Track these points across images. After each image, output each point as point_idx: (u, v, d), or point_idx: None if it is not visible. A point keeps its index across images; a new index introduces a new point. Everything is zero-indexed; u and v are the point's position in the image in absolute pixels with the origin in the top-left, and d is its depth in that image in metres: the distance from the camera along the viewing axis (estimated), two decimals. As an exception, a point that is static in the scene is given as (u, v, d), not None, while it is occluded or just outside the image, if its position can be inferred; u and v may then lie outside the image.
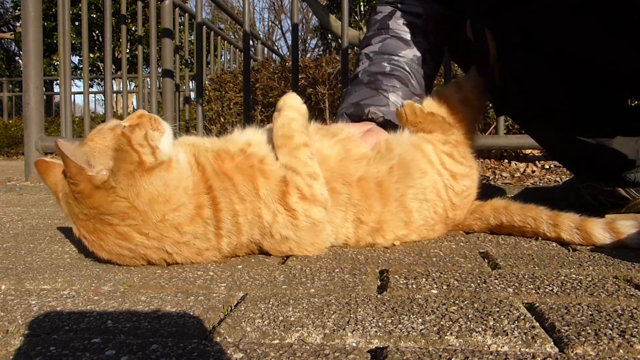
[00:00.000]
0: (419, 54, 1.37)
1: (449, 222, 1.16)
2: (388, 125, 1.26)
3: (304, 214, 0.92)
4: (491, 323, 0.60)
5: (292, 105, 1.02)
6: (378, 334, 0.58)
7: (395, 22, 1.40)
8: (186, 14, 4.53)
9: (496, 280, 0.79)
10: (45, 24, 9.35)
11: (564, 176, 2.41)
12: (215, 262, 0.93)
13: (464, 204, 1.18)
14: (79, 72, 12.25)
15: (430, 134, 1.18)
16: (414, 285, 0.77)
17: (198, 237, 0.89)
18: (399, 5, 1.41)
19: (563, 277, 0.80)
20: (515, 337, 0.56)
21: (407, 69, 1.34)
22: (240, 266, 0.90)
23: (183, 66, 4.85)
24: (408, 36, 1.39)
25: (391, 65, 1.34)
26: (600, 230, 1.05)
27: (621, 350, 0.53)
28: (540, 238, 1.11)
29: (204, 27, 4.00)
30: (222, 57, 6.31)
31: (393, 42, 1.38)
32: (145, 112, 0.95)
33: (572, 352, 0.53)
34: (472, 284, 0.77)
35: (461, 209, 1.18)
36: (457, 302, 0.68)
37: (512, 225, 1.15)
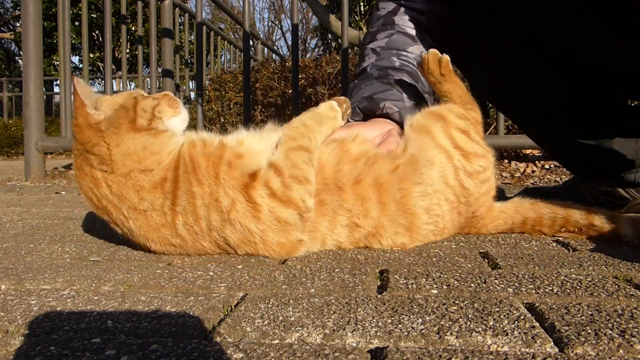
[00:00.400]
0: (425, 51, 1.33)
1: (462, 213, 1.07)
2: (404, 121, 1.20)
3: (268, 210, 0.91)
4: (491, 323, 0.60)
5: (319, 112, 1.04)
6: (378, 334, 0.58)
7: (401, 18, 1.37)
8: (186, 14, 4.53)
9: (496, 280, 0.79)
10: (45, 24, 9.35)
11: (564, 176, 2.41)
12: (172, 246, 0.95)
13: (482, 192, 1.08)
14: (79, 72, 12.24)
15: (447, 100, 1.15)
16: (414, 285, 0.77)
17: (155, 208, 0.92)
18: (402, 1, 1.39)
19: (563, 277, 0.80)
20: (515, 337, 0.56)
21: (416, 65, 1.29)
22: (240, 266, 0.90)
23: (183, 66, 4.85)
24: (414, 32, 1.35)
25: (400, 61, 1.30)
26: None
27: (621, 350, 0.53)
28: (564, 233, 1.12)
29: (204, 27, 4.00)
30: (222, 57, 6.31)
31: (400, 37, 1.34)
32: (171, 93, 1.02)
33: (572, 352, 0.53)
34: (472, 284, 0.77)
35: (478, 198, 1.07)
36: (457, 302, 0.68)
37: (541, 219, 1.13)
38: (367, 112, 1.24)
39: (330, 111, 1.05)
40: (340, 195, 0.97)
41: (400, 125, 1.17)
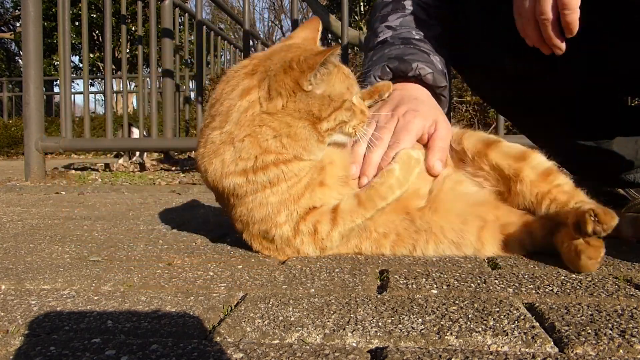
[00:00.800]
0: (435, 35, 1.27)
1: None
2: (436, 84, 1.15)
3: (299, 241, 0.93)
4: (491, 323, 0.60)
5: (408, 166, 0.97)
6: (378, 334, 0.58)
7: (410, 4, 1.32)
8: (186, 14, 4.53)
9: (496, 280, 0.79)
10: (45, 24, 9.35)
11: (564, 176, 2.41)
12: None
13: None
14: (79, 72, 12.25)
15: None
16: (414, 285, 0.77)
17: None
18: None
19: (563, 277, 0.80)
20: (515, 337, 0.56)
21: (430, 45, 1.24)
22: (240, 266, 0.90)
23: (183, 66, 4.85)
24: (425, 16, 1.30)
25: (419, 35, 1.24)
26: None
27: (621, 350, 0.53)
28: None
29: (204, 27, 4.00)
30: (222, 57, 6.31)
31: (412, 19, 1.29)
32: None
33: (572, 352, 0.53)
34: (472, 284, 0.77)
35: None
36: (457, 302, 0.68)
37: None
38: (398, 73, 1.15)
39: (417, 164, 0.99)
40: None
41: (430, 88, 1.14)
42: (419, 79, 1.14)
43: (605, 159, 1.32)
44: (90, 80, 11.76)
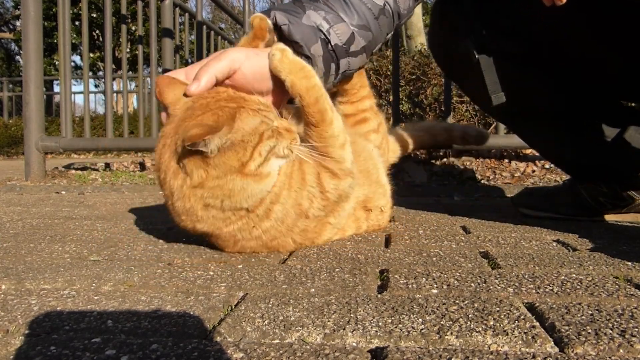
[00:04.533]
0: None
1: None
2: (293, 38, 0.99)
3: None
4: (491, 323, 0.60)
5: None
6: (378, 333, 0.58)
7: None
8: (186, 14, 4.53)
9: (496, 280, 0.79)
10: (46, 24, 9.35)
11: (563, 176, 2.41)
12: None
13: None
14: (79, 71, 12.25)
15: None
16: (414, 285, 0.76)
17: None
18: None
19: (563, 277, 0.80)
20: (515, 336, 0.56)
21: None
22: (241, 266, 0.90)
23: (183, 66, 4.85)
24: None
25: None
26: None
27: (621, 350, 0.53)
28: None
29: (204, 26, 4.00)
30: (222, 56, 6.31)
31: None
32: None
33: (573, 352, 0.53)
34: (472, 284, 0.77)
35: None
36: (457, 301, 0.68)
37: None
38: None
39: None
40: None
41: (292, 46, 0.99)
42: (277, 29, 1.01)
43: (605, 161, 1.32)
44: (96, 80, 11.76)
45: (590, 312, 0.63)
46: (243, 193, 0.88)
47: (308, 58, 1.00)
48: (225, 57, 0.93)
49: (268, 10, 1.02)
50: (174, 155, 0.89)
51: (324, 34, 1.01)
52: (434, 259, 0.94)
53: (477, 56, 1.24)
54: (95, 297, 0.73)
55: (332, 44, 1.02)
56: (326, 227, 1.06)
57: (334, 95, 1.24)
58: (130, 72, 9.76)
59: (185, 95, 0.92)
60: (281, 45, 0.96)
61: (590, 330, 0.57)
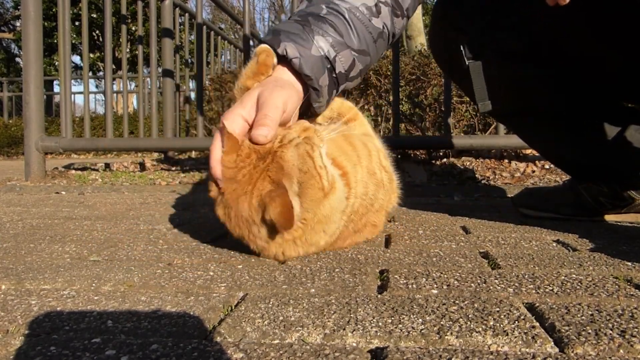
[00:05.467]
0: (370, 4, 1.07)
1: None
2: (303, 72, 0.99)
3: None
4: (491, 323, 0.60)
5: None
6: (378, 334, 0.58)
7: None
8: (186, 14, 4.53)
9: (496, 280, 0.79)
10: (46, 24, 9.35)
11: (564, 176, 2.41)
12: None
13: None
14: (79, 71, 12.25)
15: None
16: (414, 285, 0.76)
17: None
18: None
19: (563, 277, 0.80)
20: (515, 337, 0.56)
21: (347, 16, 1.05)
22: (241, 266, 0.90)
23: (183, 66, 4.85)
24: None
25: (328, 9, 1.05)
26: None
27: (621, 350, 0.53)
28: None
29: (204, 27, 4.00)
30: (222, 57, 6.31)
31: None
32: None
33: (573, 352, 0.53)
34: (472, 284, 0.77)
35: None
36: (457, 302, 0.68)
37: None
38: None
39: None
40: None
41: (300, 77, 1.00)
42: (285, 60, 1.00)
43: (606, 162, 1.32)
44: (91, 80, 11.74)
45: (590, 313, 0.63)
46: (335, 209, 0.90)
47: (316, 90, 1.01)
48: (275, 101, 0.91)
49: (277, 37, 1.00)
50: (249, 197, 0.87)
51: (330, 63, 1.02)
52: (434, 259, 0.94)
53: (467, 62, 1.24)
54: (95, 298, 0.73)
55: (336, 72, 1.03)
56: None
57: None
58: (130, 72, 9.77)
59: (251, 141, 0.89)
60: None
61: (590, 331, 0.57)
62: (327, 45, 1.01)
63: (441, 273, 0.83)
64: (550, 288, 0.74)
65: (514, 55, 1.26)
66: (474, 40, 1.25)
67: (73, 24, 9.30)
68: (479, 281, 0.78)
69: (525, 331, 0.58)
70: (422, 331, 0.58)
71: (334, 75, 1.03)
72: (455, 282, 0.78)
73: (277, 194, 0.82)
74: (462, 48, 1.24)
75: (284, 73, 1.00)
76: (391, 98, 3.25)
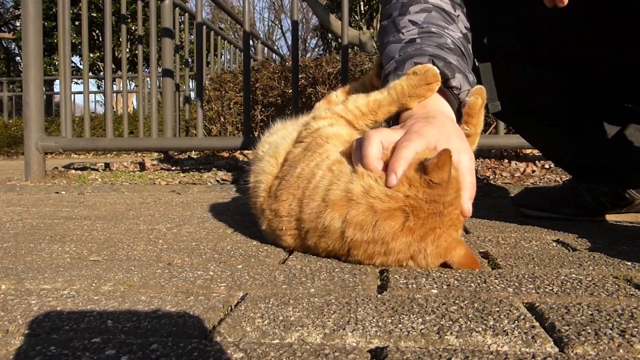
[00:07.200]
0: (463, 33, 1.09)
1: None
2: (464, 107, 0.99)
3: None
4: (491, 323, 0.60)
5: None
6: (378, 333, 0.58)
7: None
8: (186, 14, 4.53)
9: (496, 280, 0.79)
10: (46, 24, 9.35)
11: (564, 176, 2.41)
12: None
13: None
14: (79, 71, 12.24)
15: None
16: (414, 285, 0.76)
17: None
18: None
19: (563, 277, 0.80)
20: (515, 336, 0.56)
21: (463, 49, 1.06)
22: (240, 266, 0.90)
23: (183, 66, 4.85)
24: (450, 8, 1.10)
25: (450, 38, 1.04)
26: None
27: (621, 350, 0.53)
28: None
29: (204, 26, 4.00)
30: (222, 56, 6.31)
31: (437, 15, 1.07)
32: None
33: (572, 351, 0.53)
34: (472, 284, 0.77)
35: None
36: (457, 301, 0.68)
37: None
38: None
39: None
40: None
41: (458, 109, 0.99)
42: (451, 91, 0.98)
43: (608, 162, 1.32)
44: (90, 80, 11.73)
45: (590, 312, 0.63)
46: None
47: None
48: (414, 143, 0.85)
49: (449, 66, 0.97)
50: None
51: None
52: (434, 259, 0.94)
53: (477, 64, 1.24)
54: (95, 297, 0.73)
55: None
56: None
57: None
58: (130, 72, 9.76)
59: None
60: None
61: (590, 330, 0.57)
62: (471, 79, 1.03)
63: (441, 273, 0.83)
64: (550, 288, 0.74)
65: (512, 55, 1.26)
66: (473, 40, 1.25)
67: (73, 23, 9.29)
68: (478, 281, 0.78)
69: (525, 331, 0.58)
70: (422, 331, 0.58)
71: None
72: (455, 282, 0.78)
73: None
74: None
75: (444, 105, 0.97)
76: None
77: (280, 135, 1.13)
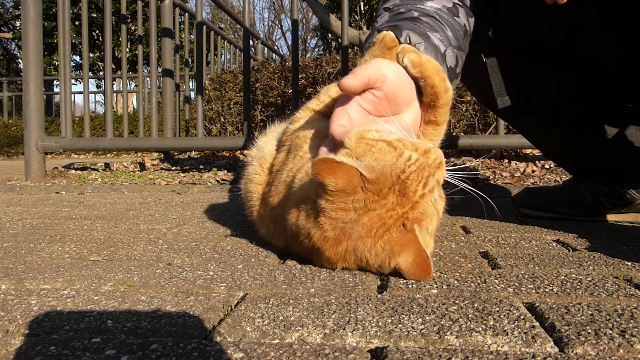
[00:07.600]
0: (449, 4, 1.09)
1: None
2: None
3: None
4: (491, 323, 0.60)
5: None
6: (378, 333, 0.58)
7: None
8: (186, 14, 4.53)
9: (496, 280, 0.79)
10: (46, 23, 9.36)
11: (564, 176, 2.41)
12: None
13: None
14: (79, 71, 12.25)
15: None
16: (414, 285, 0.76)
17: None
18: None
19: (563, 277, 0.80)
20: (515, 336, 0.56)
21: (437, 17, 1.05)
22: (240, 266, 0.90)
23: (183, 66, 4.85)
24: None
25: (418, 12, 1.05)
26: None
27: (621, 350, 0.53)
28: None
29: (204, 26, 4.00)
30: (222, 56, 6.31)
31: None
32: None
33: (572, 351, 0.53)
34: (472, 284, 0.77)
35: None
36: (457, 301, 0.68)
37: None
38: None
39: None
40: None
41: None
42: None
43: (609, 161, 1.31)
44: (90, 80, 11.73)
45: (590, 312, 0.63)
46: None
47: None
48: (373, 63, 0.88)
49: (397, 28, 0.98)
50: None
51: (441, 56, 0.99)
52: (434, 259, 0.94)
53: (484, 59, 1.24)
54: (95, 297, 0.73)
55: (447, 66, 1.01)
56: None
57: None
58: (130, 72, 9.76)
59: (339, 88, 0.85)
60: (411, 47, 0.93)
61: (590, 330, 0.57)
62: (437, 39, 1.00)
63: (441, 273, 0.83)
64: (550, 288, 0.74)
65: (516, 52, 1.26)
66: (482, 41, 1.25)
67: (73, 23, 9.30)
68: (478, 281, 0.78)
69: (525, 331, 0.58)
70: (422, 331, 0.58)
71: (445, 69, 1.00)
72: (455, 282, 0.78)
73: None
74: (476, 46, 1.22)
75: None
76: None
77: (270, 137, 1.16)
